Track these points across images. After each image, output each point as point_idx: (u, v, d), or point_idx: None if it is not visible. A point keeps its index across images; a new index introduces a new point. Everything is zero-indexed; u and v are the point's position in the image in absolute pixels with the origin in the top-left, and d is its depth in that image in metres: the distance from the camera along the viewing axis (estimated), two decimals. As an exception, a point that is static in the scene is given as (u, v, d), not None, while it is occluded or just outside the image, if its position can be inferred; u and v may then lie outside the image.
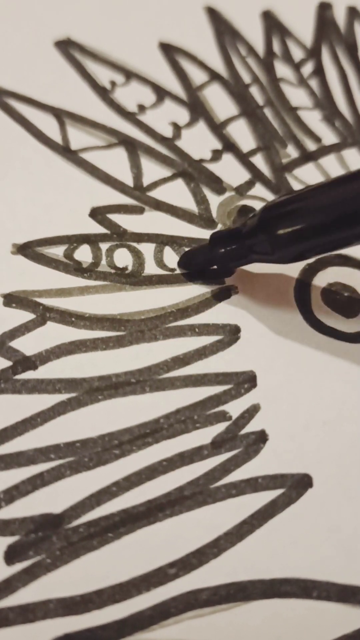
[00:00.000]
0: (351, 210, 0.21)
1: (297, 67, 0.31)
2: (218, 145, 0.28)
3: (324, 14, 0.33)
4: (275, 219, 0.22)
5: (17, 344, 0.23)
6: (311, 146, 0.29)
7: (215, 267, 0.25)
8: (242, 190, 0.27)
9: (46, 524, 0.20)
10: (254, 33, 0.32)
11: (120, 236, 0.25)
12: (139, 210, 0.26)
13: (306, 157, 0.28)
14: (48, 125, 0.27)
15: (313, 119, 0.30)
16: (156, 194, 0.26)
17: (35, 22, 0.30)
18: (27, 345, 0.23)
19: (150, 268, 0.25)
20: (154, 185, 0.27)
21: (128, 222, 0.26)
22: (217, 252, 0.24)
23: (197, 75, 0.30)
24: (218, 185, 0.27)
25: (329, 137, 0.29)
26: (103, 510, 0.20)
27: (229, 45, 0.31)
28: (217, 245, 0.24)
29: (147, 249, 0.25)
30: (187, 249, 0.25)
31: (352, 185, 0.21)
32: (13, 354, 0.22)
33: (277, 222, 0.22)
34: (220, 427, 0.22)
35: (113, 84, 0.29)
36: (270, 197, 0.27)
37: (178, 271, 0.25)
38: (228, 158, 0.28)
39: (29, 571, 0.19)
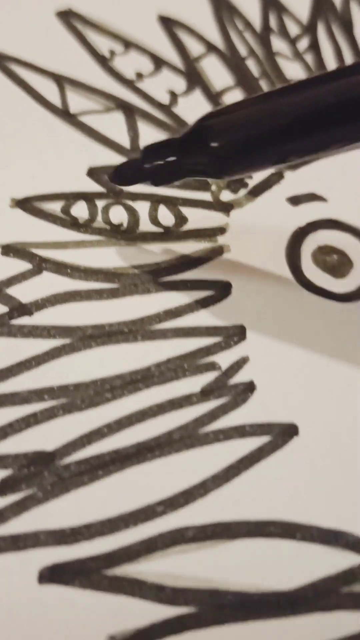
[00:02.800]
0: (288, 122, 0.19)
1: (293, 42, 0.32)
2: (214, 113, 0.29)
3: (320, -8, 0.34)
4: (211, 130, 0.20)
5: (13, 291, 0.23)
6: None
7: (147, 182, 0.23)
8: (236, 155, 0.28)
9: (38, 460, 0.21)
10: (251, 9, 0.32)
11: (116, 195, 0.26)
12: (135, 170, 0.27)
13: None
14: (48, 89, 0.28)
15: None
16: (152, 154, 0.27)
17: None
18: (23, 292, 0.23)
19: (145, 225, 0.25)
20: (150, 146, 0.27)
21: (124, 181, 0.26)
22: (149, 166, 0.22)
23: (195, 47, 0.31)
24: (213, 150, 0.28)
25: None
26: (94, 450, 0.21)
27: (227, 20, 0.32)
28: (148, 159, 0.22)
29: (142, 207, 0.26)
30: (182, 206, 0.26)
31: (290, 97, 0.20)
32: (9, 300, 0.23)
33: (212, 134, 0.20)
34: (209, 377, 0.23)
35: (112, 52, 0.30)
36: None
37: (172, 229, 0.25)
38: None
39: (21, 503, 0.20)
